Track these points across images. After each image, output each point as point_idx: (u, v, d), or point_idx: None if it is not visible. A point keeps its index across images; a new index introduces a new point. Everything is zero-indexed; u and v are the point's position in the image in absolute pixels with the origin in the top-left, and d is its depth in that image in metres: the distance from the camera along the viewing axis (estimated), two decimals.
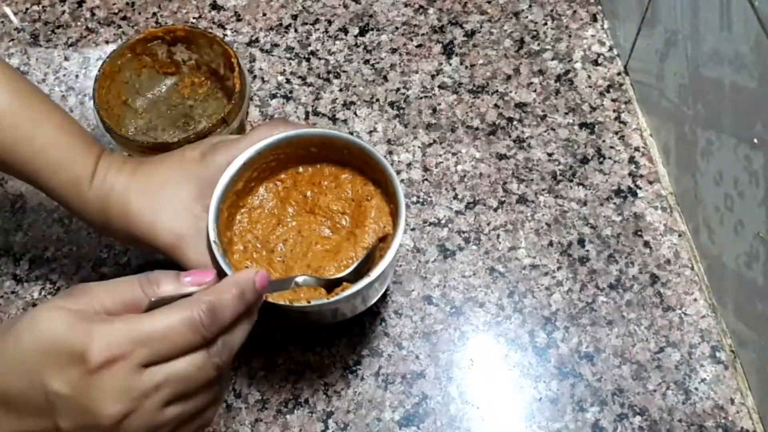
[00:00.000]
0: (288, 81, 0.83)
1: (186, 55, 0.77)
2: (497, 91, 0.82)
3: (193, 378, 0.45)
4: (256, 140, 0.60)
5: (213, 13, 0.88)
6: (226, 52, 0.73)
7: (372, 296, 0.63)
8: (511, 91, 0.82)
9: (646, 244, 0.73)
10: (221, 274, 0.51)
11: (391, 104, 0.82)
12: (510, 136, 0.79)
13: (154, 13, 0.88)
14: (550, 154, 0.78)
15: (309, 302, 0.56)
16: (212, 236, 0.57)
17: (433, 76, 0.83)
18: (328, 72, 0.84)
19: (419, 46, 0.86)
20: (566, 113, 0.80)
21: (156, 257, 0.66)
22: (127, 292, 0.46)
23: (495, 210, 0.75)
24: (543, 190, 0.76)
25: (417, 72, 0.84)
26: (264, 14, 0.89)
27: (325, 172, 0.65)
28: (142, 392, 0.43)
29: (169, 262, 0.58)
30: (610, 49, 0.85)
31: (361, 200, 0.64)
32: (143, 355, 0.43)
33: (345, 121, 0.80)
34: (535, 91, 0.82)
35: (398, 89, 0.83)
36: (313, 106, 0.81)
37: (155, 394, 0.43)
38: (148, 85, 0.78)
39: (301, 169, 0.65)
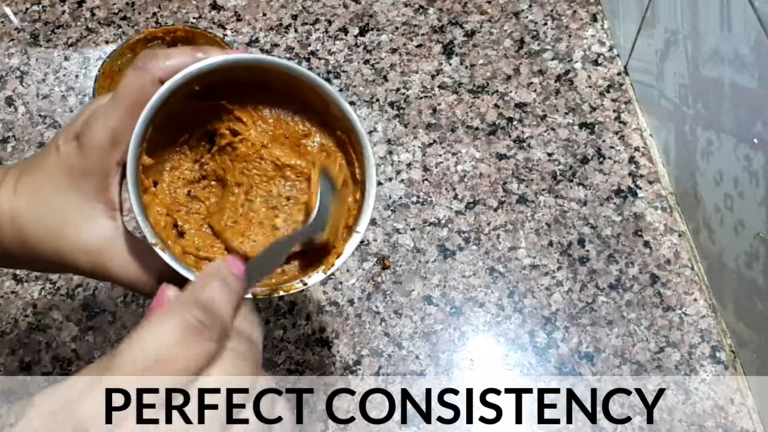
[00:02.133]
0: None
1: None
2: (497, 91, 0.82)
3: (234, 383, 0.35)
4: (125, 97, 0.45)
5: (213, 13, 0.89)
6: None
7: None
8: (511, 91, 0.82)
9: (646, 244, 0.73)
10: (176, 279, 0.43)
11: (391, 104, 0.82)
12: (510, 136, 0.79)
13: (154, 13, 0.88)
14: (550, 154, 0.78)
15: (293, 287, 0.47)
16: (150, 239, 0.44)
17: (433, 76, 0.83)
18: (328, 72, 0.84)
19: (419, 46, 0.86)
20: (566, 113, 0.81)
21: None
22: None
23: (495, 210, 0.75)
24: (543, 190, 0.76)
25: (417, 72, 0.84)
26: (264, 14, 0.89)
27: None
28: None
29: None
30: (610, 49, 0.85)
31: (297, 138, 0.51)
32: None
33: None
34: (535, 91, 0.82)
35: (398, 89, 0.83)
36: None
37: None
38: None
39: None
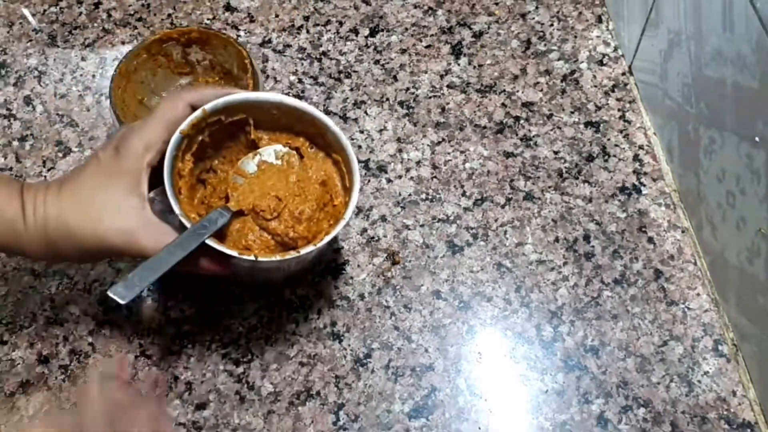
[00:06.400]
0: (300, 81, 0.85)
1: (200, 56, 0.79)
2: (504, 90, 0.83)
3: None
4: (163, 118, 0.60)
5: (227, 14, 0.90)
6: (240, 53, 0.75)
7: (325, 253, 0.72)
8: (518, 91, 0.83)
9: (650, 240, 0.74)
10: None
11: (401, 103, 0.83)
12: (517, 135, 0.80)
13: (169, 15, 0.90)
14: (556, 152, 0.79)
15: (257, 258, 0.59)
16: (177, 210, 0.59)
17: (441, 76, 0.85)
18: (339, 72, 0.85)
19: (428, 46, 0.87)
20: (572, 112, 0.82)
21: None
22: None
23: (502, 207, 0.76)
24: (549, 187, 0.77)
25: (426, 72, 0.85)
26: (276, 15, 0.90)
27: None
28: None
29: (129, 261, 0.60)
30: (615, 49, 0.86)
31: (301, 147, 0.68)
32: None
33: (356, 119, 0.82)
34: (541, 90, 0.83)
35: (408, 89, 0.84)
36: (324, 105, 0.83)
37: None
38: (164, 85, 0.79)
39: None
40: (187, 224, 0.58)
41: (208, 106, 0.62)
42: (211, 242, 0.58)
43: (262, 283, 0.73)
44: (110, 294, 0.54)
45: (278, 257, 0.60)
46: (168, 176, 0.59)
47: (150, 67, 0.78)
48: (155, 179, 0.60)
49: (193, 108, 0.61)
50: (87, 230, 0.57)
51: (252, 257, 0.59)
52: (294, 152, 0.68)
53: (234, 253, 0.58)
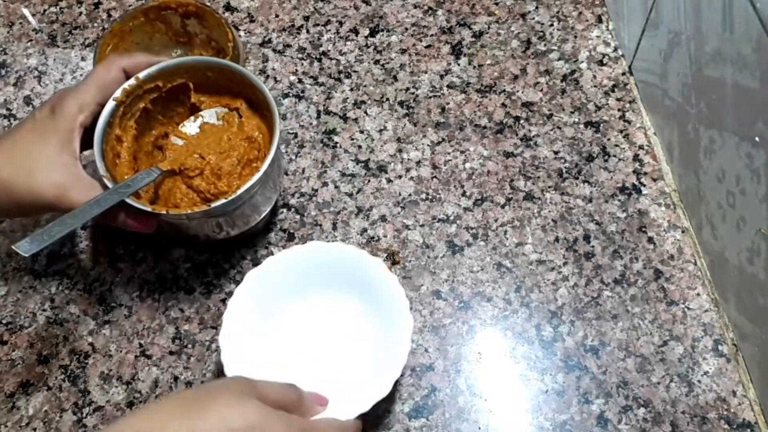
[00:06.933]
0: (300, 81, 0.85)
1: (199, 29, 0.80)
2: (504, 90, 0.83)
3: None
4: (97, 80, 0.64)
5: (227, 14, 0.90)
6: (227, 34, 0.76)
7: (260, 206, 0.70)
8: (518, 91, 0.83)
9: (650, 240, 0.74)
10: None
11: (401, 103, 0.83)
12: (517, 135, 0.81)
13: None
14: (556, 152, 0.79)
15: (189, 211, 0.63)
16: (102, 171, 0.63)
17: (441, 76, 0.85)
18: (339, 72, 0.85)
19: (428, 46, 0.87)
20: (572, 112, 0.82)
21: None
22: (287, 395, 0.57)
23: (502, 207, 0.76)
24: (549, 187, 0.77)
25: (426, 72, 0.85)
26: (276, 15, 0.90)
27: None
28: None
29: (57, 212, 0.61)
30: (615, 49, 0.86)
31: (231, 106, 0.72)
32: None
33: (356, 119, 0.82)
34: (541, 90, 0.83)
35: (408, 89, 0.84)
36: (324, 105, 0.83)
37: None
38: (160, 51, 0.81)
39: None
40: (109, 184, 0.62)
41: (141, 74, 0.66)
42: (130, 200, 0.62)
43: (203, 240, 0.75)
44: (14, 248, 0.56)
45: (188, 212, 0.63)
46: (98, 140, 0.64)
47: (147, 31, 0.80)
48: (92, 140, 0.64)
49: (128, 74, 0.66)
50: (21, 184, 0.60)
51: (164, 212, 0.62)
52: (234, 113, 0.71)
53: (148, 208, 0.62)
